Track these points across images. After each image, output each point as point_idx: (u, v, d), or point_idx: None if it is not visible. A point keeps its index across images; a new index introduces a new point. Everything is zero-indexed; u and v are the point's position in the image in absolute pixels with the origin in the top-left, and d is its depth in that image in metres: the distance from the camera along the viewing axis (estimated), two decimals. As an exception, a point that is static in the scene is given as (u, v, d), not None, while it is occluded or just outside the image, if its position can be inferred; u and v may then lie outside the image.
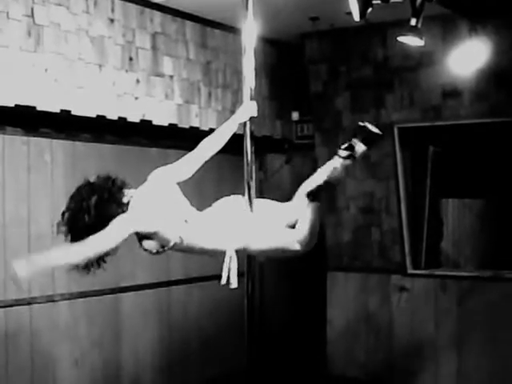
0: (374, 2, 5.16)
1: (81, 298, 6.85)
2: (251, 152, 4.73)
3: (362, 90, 8.08)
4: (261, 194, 8.90)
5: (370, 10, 5.15)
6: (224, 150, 8.46)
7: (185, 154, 7.86)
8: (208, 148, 4.48)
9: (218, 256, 4.21)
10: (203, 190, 8.33)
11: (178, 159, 7.82)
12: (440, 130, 7.89)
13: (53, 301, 6.62)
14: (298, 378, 8.29)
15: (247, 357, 4.59)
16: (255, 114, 4.48)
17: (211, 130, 7.51)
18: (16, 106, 5.76)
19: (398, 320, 8.08)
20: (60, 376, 6.71)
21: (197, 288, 8.11)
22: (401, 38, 5.72)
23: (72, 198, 4.10)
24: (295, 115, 8.94)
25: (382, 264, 8.20)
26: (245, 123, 4.68)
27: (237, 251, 4.19)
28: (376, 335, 8.19)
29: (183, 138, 7.83)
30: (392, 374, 8.03)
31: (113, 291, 7.19)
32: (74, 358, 6.83)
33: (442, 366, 7.79)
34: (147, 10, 6.86)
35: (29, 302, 6.41)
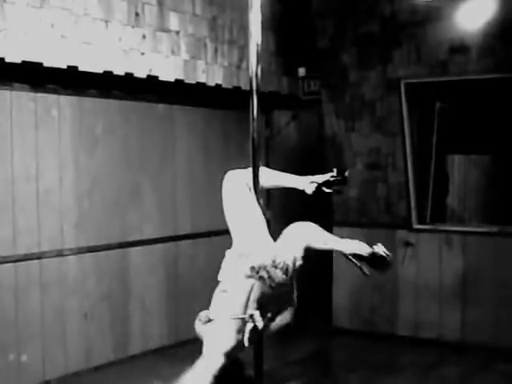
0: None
1: (89, 252, 6.93)
2: (257, 108, 4.73)
3: (369, 45, 8.04)
4: (267, 151, 9.04)
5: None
6: (229, 106, 8.55)
7: (191, 110, 7.93)
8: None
9: None
10: (209, 146, 8.38)
11: (184, 115, 7.89)
12: (447, 85, 7.87)
13: (62, 255, 6.70)
14: (303, 331, 8.39)
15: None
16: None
17: (217, 86, 7.59)
18: (23, 62, 5.77)
19: (404, 274, 8.14)
20: (70, 329, 6.82)
21: (204, 243, 8.19)
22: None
23: None
24: (302, 71, 8.92)
25: (387, 219, 8.25)
26: (250, 78, 4.68)
27: None
28: (381, 290, 8.26)
29: (190, 94, 7.86)
30: (396, 327, 8.12)
31: (121, 246, 7.27)
32: (84, 311, 6.94)
33: (447, 319, 7.87)
34: (153, -36, 6.84)
35: (38, 256, 6.50)
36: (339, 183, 4.74)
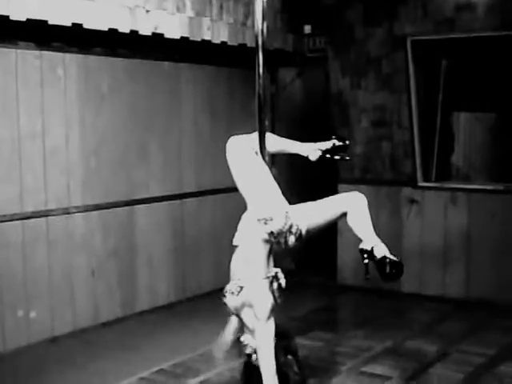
0: None
1: (96, 210, 6.97)
2: (263, 65, 4.73)
3: (375, 2, 7.99)
4: (273, 108, 9.02)
5: None
6: (235, 64, 8.51)
7: (197, 68, 7.90)
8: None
9: None
10: (214, 103, 8.37)
11: (190, 73, 7.87)
12: (453, 42, 7.82)
13: (68, 213, 6.74)
14: (308, 288, 8.46)
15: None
16: None
17: (223, 43, 7.56)
18: (27, 20, 5.75)
19: (408, 232, 8.18)
20: (77, 286, 6.88)
21: (209, 200, 8.23)
22: None
23: None
24: (307, 28, 8.87)
25: (392, 177, 8.26)
26: (256, 36, 4.67)
27: None
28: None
29: (195, 52, 7.83)
30: (401, 284, 8.16)
31: (127, 203, 7.30)
32: (91, 268, 7.00)
33: (451, 276, 7.92)
34: None
35: (45, 214, 6.54)
36: (341, 150, 4.79)
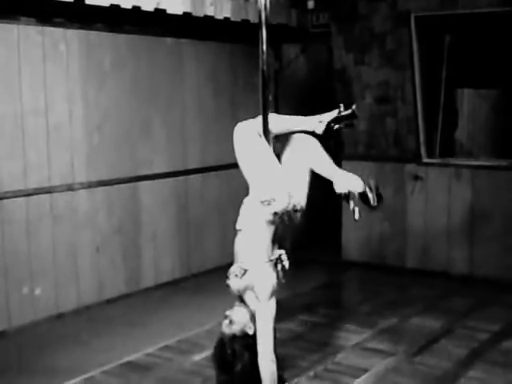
0: None
1: (100, 186, 6.96)
2: (266, 41, 4.69)
3: (379, -24, 7.94)
4: (276, 84, 8.98)
5: None
6: (238, 40, 8.46)
7: (199, 44, 7.85)
8: None
9: None
10: (217, 80, 8.33)
11: (193, 49, 7.81)
12: (457, 18, 7.76)
13: (72, 190, 6.73)
14: (313, 264, 8.46)
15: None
16: None
17: (226, 19, 7.51)
18: (29, -5, 5.73)
19: (412, 208, 8.16)
20: (82, 262, 6.89)
21: (213, 176, 8.21)
22: None
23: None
24: (311, 4, 8.79)
25: (396, 153, 8.23)
26: (259, 11, 4.64)
27: None
28: (390, 223, 8.30)
29: (198, 28, 7.78)
30: (405, 260, 8.17)
31: (131, 180, 7.28)
32: (95, 245, 6.99)
33: (455, 252, 7.91)
34: None
35: (49, 190, 6.52)
36: (348, 118, 4.74)
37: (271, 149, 4.65)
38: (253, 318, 4.40)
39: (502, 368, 5.32)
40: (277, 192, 4.41)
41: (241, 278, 4.41)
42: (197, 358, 5.56)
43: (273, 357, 4.33)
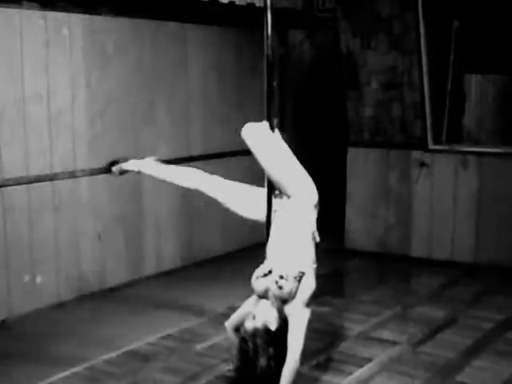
0: None
1: (102, 173, 6.90)
2: (272, 25, 4.63)
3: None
4: (282, 69, 8.91)
5: None
6: (243, 24, 8.38)
7: (204, 28, 7.78)
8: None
9: None
10: (222, 65, 8.27)
11: (197, 34, 7.72)
12: (465, 2, 7.70)
13: (74, 177, 6.68)
14: (317, 253, 8.40)
15: (266, 229, 4.67)
16: None
17: (231, 3, 7.44)
18: (31, -21, 5.66)
19: (418, 195, 8.11)
20: (83, 250, 6.85)
21: (217, 163, 8.15)
22: None
23: None
24: (317, -13, 8.75)
25: (403, 139, 8.17)
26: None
27: None
28: (395, 210, 8.25)
29: (202, 12, 7.71)
30: (410, 247, 8.13)
31: (133, 167, 7.23)
32: (97, 232, 6.95)
33: (460, 240, 7.87)
34: None
35: (51, 178, 6.47)
36: None
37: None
38: (279, 315, 4.37)
39: (506, 357, 5.30)
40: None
41: (298, 280, 4.38)
42: (199, 347, 5.54)
43: (299, 363, 4.31)
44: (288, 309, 4.36)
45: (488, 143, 8.32)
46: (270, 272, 4.39)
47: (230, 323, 4.75)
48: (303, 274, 4.37)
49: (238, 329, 4.69)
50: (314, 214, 4.52)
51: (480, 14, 7.99)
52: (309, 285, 4.38)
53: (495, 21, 7.98)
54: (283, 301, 4.35)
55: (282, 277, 4.34)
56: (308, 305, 4.38)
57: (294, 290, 4.34)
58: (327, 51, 9.37)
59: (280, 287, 4.33)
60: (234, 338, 4.67)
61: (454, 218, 7.89)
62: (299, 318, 4.33)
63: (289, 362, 4.28)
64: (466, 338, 5.67)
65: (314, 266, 4.47)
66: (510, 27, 7.94)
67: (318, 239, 4.54)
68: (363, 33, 8.15)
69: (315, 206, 4.52)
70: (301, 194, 4.50)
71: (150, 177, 5.32)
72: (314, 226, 4.52)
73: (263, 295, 4.42)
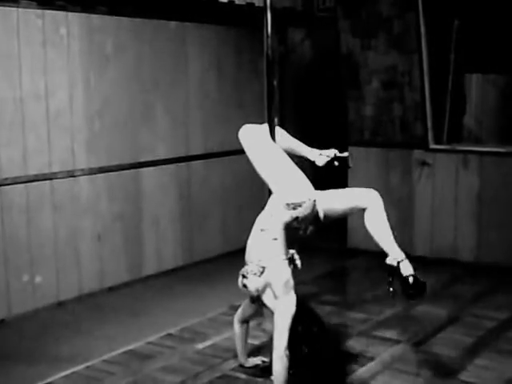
0: None
1: (101, 173, 6.88)
2: (271, 24, 4.62)
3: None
4: (281, 69, 8.89)
5: None
6: (242, 24, 8.37)
7: (203, 27, 7.76)
8: None
9: None
10: (221, 64, 8.26)
11: (196, 33, 7.70)
12: (465, 2, 7.69)
13: (73, 176, 6.65)
14: (318, 252, 8.39)
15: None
16: None
17: (230, 2, 7.42)
18: (29, -23, 5.64)
19: (419, 194, 8.08)
20: (83, 250, 6.82)
21: (216, 163, 8.13)
22: None
23: None
24: (316, -13, 8.73)
25: (403, 139, 8.14)
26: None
27: None
28: (396, 210, 8.21)
29: (202, 11, 7.69)
30: (412, 247, 8.10)
31: (133, 166, 7.21)
32: (97, 232, 6.92)
33: (462, 239, 7.84)
34: None
35: (49, 177, 6.45)
36: (343, 162, 4.81)
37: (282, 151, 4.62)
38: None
39: (509, 356, 5.26)
40: (304, 198, 4.34)
41: (259, 276, 4.34)
42: (199, 346, 5.51)
43: (287, 352, 4.24)
44: (271, 303, 4.34)
45: (489, 142, 8.29)
46: (264, 268, 4.38)
47: (237, 315, 4.79)
48: (263, 268, 4.32)
49: (244, 321, 4.77)
50: (287, 214, 4.37)
51: (480, 14, 7.97)
52: (278, 276, 4.31)
53: (496, 20, 7.96)
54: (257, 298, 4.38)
55: (243, 275, 4.33)
56: (288, 292, 4.31)
57: (259, 285, 4.30)
58: (327, 50, 9.36)
59: (244, 286, 4.31)
60: (238, 331, 4.75)
61: (455, 217, 7.86)
62: (282, 310, 4.27)
63: (275, 361, 4.25)
64: (468, 337, 5.63)
65: (282, 257, 4.38)
66: (510, 26, 7.92)
67: (275, 238, 4.45)
68: (363, 33, 8.14)
69: (288, 206, 4.37)
70: (280, 193, 4.44)
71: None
72: (280, 226, 4.40)
73: (259, 294, 4.41)
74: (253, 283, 4.33)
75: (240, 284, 4.35)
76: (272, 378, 4.29)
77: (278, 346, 4.23)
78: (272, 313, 4.36)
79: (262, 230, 4.45)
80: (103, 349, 5.46)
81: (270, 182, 4.49)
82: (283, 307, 4.27)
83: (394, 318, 6.15)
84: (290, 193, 4.38)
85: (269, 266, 4.34)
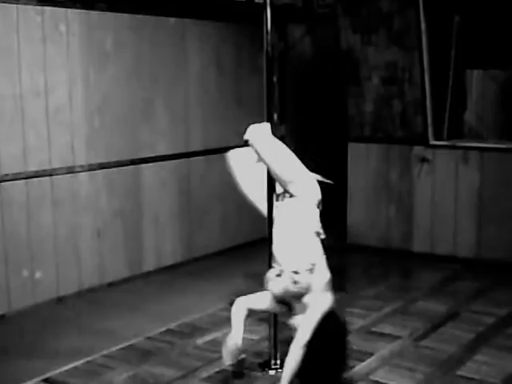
0: None
1: (101, 169, 6.89)
2: (271, 21, 4.63)
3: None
4: (281, 65, 8.89)
5: None
6: (242, 20, 8.36)
7: (203, 24, 7.76)
8: None
9: None
10: (221, 61, 8.25)
11: (196, 29, 7.68)
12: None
13: (73, 172, 6.65)
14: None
15: (268, 228, 4.67)
16: None
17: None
18: (28, -27, 5.64)
19: (419, 191, 8.08)
20: (83, 245, 6.83)
21: (216, 159, 8.12)
22: None
23: None
24: (316, -17, 8.73)
25: (403, 135, 8.14)
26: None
27: None
28: (396, 206, 8.22)
29: (201, 7, 7.69)
30: (411, 243, 8.10)
31: (132, 162, 7.21)
32: (96, 228, 6.93)
33: (462, 235, 7.83)
34: None
35: (49, 173, 6.45)
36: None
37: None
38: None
39: (508, 352, 5.25)
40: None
41: (311, 272, 4.38)
42: (199, 341, 5.52)
43: (304, 348, 4.29)
44: (307, 299, 4.38)
45: (489, 138, 8.28)
46: (282, 272, 4.40)
47: (243, 302, 4.72)
48: (314, 264, 4.39)
49: (250, 311, 4.72)
50: (317, 212, 4.56)
51: (481, 9, 7.96)
52: (323, 274, 4.45)
53: (496, 16, 7.95)
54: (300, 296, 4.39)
55: (295, 272, 4.35)
56: (327, 290, 4.46)
57: (310, 282, 4.35)
58: (327, 47, 9.35)
59: (295, 282, 4.33)
60: (241, 316, 4.68)
61: (455, 213, 7.86)
62: (315, 308, 4.35)
63: (292, 352, 4.30)
64: (467, 333, 5.63)
65: (324, 256, 4.53)
66: (511, 22, 7.91)
67: (323, 236, 4.54)
68: (364, 29, 8.13)
69: (318, 204, 4.56)
70: (305, 192, 4.53)
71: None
72: (318, 224, 4.56)
73: (282, 298, 4.43)
74: (305, 279, 4.36)
75: (289, 281, 4.36)
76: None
77: (300, 339, 4.30)
78: (290, 312, 4.44)
79: (294, 232, 4.53)
80: (103, 344, 5.45)
81: (289, 181, 4.55)
82: (320, 303, 4.37)
83: (394, 313, 6.15)
84: (313, 191, 4.58)
85: (318, 263, 4.45)
